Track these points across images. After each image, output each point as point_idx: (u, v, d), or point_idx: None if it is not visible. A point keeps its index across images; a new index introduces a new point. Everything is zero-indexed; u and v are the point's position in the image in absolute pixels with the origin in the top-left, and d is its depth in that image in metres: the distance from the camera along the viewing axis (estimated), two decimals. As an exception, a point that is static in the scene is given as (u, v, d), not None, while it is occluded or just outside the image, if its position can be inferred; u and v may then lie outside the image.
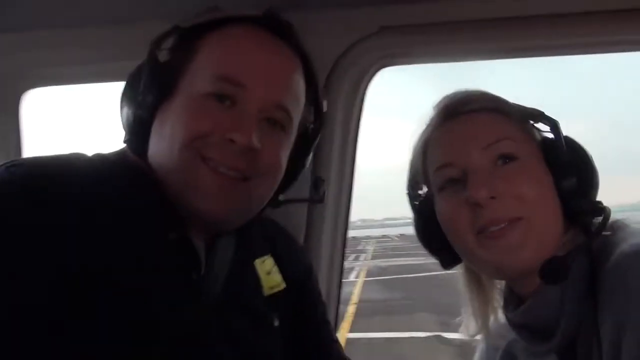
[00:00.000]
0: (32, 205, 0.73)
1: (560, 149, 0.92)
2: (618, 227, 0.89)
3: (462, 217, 0.91)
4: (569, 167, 0.91)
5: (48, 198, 0.74)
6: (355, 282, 14.81)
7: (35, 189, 0.74)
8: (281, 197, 1.02)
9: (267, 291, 0.98)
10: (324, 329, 1.11)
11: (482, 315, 1.03)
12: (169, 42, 0.90)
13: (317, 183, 1.15)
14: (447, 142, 0.96)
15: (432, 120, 1.01)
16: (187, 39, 0.89)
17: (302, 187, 1.21)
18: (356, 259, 23.67)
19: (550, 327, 0.88)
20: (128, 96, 0.90)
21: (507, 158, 0.91)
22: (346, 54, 1.28)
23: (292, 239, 1.16)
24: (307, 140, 0.99)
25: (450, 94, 1.01)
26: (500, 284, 1.04)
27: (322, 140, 1.26)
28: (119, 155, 0.91)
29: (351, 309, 10.75)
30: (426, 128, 1.01)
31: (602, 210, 0.90)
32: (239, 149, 0.82)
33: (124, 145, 0.92)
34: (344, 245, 1.47)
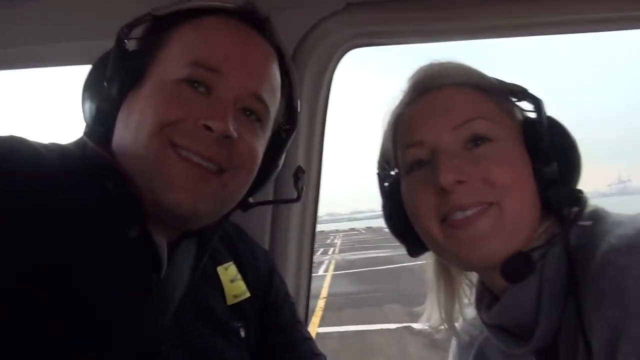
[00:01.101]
0: None
1: (542, 131, 0.83)
2: (599, 217, 0.79)
3: (427, 203, 0.83)
4: (549, 151, 0.82)
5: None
6: (324, 277, 14.85)
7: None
8: (250, 200, 0.95)
9: (230, 300, 0.91)
10: (295, 329, 1.05)
11: (447, 307, 0.96)
12: (139, 29, 0.83)
13: (298, 175, 1.06)
14: (417, 119, 0.87)
15: (404, 95, 0.92)
16: (160, 26, 0.82)
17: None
18: (324, 252, 23.75)
19: (527, 328, 0.80)
20: (93, 83, 0.82)
21: (479, 139, 0.82)
22: (312, 31, 1.21)
23: (253, 242, 1.10)
24: (280, 140, 0.93)
25: (425, 66, 0.91)
26: (473, 277, 0.96)
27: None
28: (77, 147, 0.81)
29: (321, 303, 10.76)
30: (398, 104, 0.92)
31: (581, 199, 0.81)
32: (214, 137, 0.75)
33: (84, 135, 0.83)
34: (312, 242, 1.40)
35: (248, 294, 0.94)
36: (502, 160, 0.81)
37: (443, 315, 0.96)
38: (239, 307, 0.92)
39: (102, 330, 0.69)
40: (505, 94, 0.88)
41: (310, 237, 1.38)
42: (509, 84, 0.88)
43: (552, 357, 0.79)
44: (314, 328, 8.73)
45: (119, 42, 0.82)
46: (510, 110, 0.87)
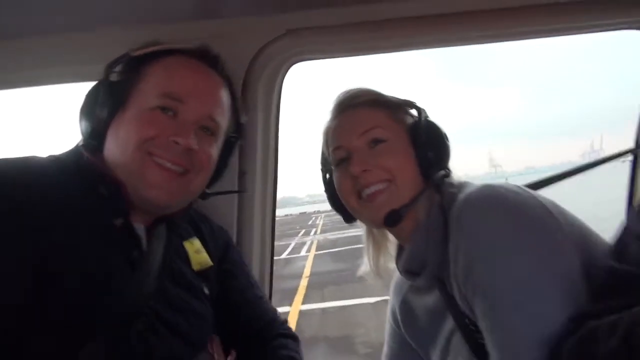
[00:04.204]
0: None
1: (421, 131, 1.21)
2: (462, 186, 1.16)
3: (347, 185, 1.22)
4: (426, 144, 1.19)
5: (9, 198, 0.90)
6: (307, 257, 15.12)
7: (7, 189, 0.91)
8: (208, 190, 1.23)
9: (196, 267, 1.20)
10: (249, 290, 1.35)
11: (374, 259, 1.35)
12: (121, 66, 1.09)
13: (242, 176, 1.38)
14: (338, 130, 1.25)
15: (330, 113, 1.30)
16: (137, 64, 1.09)
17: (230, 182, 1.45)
18: (306, 234, 24.01)
19: (422, 266, 1.18)
20: (88, 108, 1.08)
21: (377, 141, 1.20)
22: (260, 54, 1.47)
23: (213, 223, 1.38)
24: (230, 146, 1.22)
25: (343, 91, 1.30)
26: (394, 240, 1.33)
27: (246, 135, 1.48)
28: (74, 156, 1.08)
29: (304, 282, 11.07)
30: (328, 119, 1.30)
31: (448, 175, 1.21)
32: (181, 149, 1.03)
33: (81, 147, 1.09)
34: (272, 229, 1.68)
35: (211, 263, 1.23)
36: (392, 153, 1.19)
37: (372, 265, 1.35)
38: (204, 272, 1.21)
39: (101, 293, 0.94)
40: (398, 106, 1.26)
41: (270, 226, 1.67)
42: (401, 100, 1.27)
43: (443, 282, 1.15)
44: (298, 306, 9.05)
45: (107, 75, 1.09)
46: (401, 118, 1.25)
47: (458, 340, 1.13)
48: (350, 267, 12.30)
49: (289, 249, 17.78)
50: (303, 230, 24.01)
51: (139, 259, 1.04)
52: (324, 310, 8.65)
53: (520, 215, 1.00)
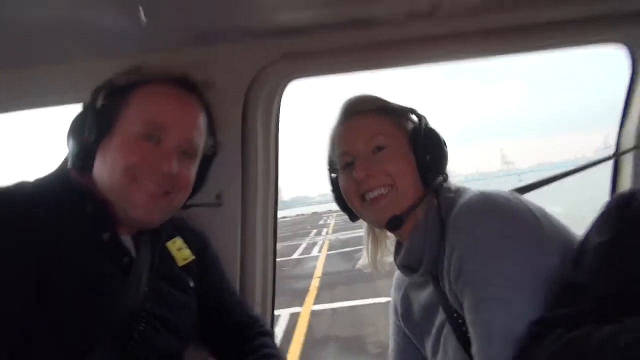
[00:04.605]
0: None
1: (420, 137, 1.30)
2: (461, 191, 1.27)
3: (351, 189, 1.32)
4: (425, 151, 1.29)
5: (9, 223, 1.03)
6: (318, 257, 15.17)
7: (5, 217, 1.04)
8: (188, 202, 1.35)
9: (180, 262, 1.34)
10: (223, 286, 1.50)
11: (372, 254, 1.47)
12: (106, 93, 1.19)
13: (219, 196, 1.54)
14: (344, 136, 1.35)
15: (337, 117, 1.40)
16: (122, 90, 1.19)
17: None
18: (318, 234, 24.07)
19: (419, 262, 1.29)
20: (76, 131, 1.18)
21: (380, 148, 1.29)
22: (258, 76, 1.61)
23: (191, 227, 1.50)
24: (207, 161, 1.32)
25: (349, 98, 1.40)
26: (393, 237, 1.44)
27: (247, 149, 1.64)
28: (60, 177, 1.19)
29: (315, 283, 11.15)
30: (334, 124, 1.40)
31: (445, 179, 1.31)
32: (163, 173, 1.15)
33: (69, 168, 1.19)
34: (274, 235, 1.82)
35: (193, 256, 1.37)
36: (395, 160, 1.29)
37: (369, 259, 1.47)
38: (188, 266, 1.34)
39: (97, 298, 1.07)
40: (400, 113, 1.36)
41: (272, 229, 1.80)
42: (403, 107, 1.36)
43: (437, 278, 1.26)
44: (309, 306, 9.14)
45: (93, 102, 1.18)
46: (403, 125, 1.35)
47: (448, 332, 1.25)
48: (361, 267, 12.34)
49: (301, 249, 17.86)
50: (314, 230, 24.05)
51: (129, 266, 1.17)
52: (335, 310, 8.74)
53: (510, 222, 1.12)
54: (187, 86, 1.24)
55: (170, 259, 1.32)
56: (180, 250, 1.35)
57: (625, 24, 1.58)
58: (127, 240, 1.20)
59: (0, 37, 1.33)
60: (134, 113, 1.16)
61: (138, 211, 1.14)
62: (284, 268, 13.43)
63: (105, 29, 1.35)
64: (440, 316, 1.28)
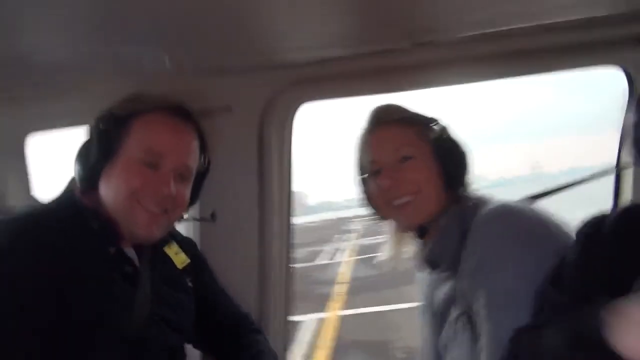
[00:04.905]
0: (23, 255, 1.13)
1: (444, 147, 1.40)
2: (483, 200, 1.38)
3: (379, 195, 1.43)
4: (449, 160, 1.39)
5: (32, 249, 1.15)
6: (345, 263, 15.16)
7: (22, 244, 1.14)
8: (185, 216, 1.49)
9: (179, 265, 1.48)
10: (215, 288, 1.64)
11: (395, 248, 1.56)
12: (109, 121, 1.29)
13: (213, 214, 1.64)
14: (371, 145, 1.46)
15: (365, 125, 1.49)
16: (124, 120, 1.30)
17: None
18: (343, 239, 24.02)
19: (441, 261, 1.41)
20: (82, 157, 1.30)
21: (406, 158, 1.39)
22: (271, 101, 1.76)
23: (183, 235, 1.64)
24: (199, 179, 1.46)
25: (376, 106, 1.50)
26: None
27: (263, 167, 1.80)
28: (69, 199, 1.31)
29: (340, 288, 11.17)
30: (363, 131, 1.50)
31: (467, 188, 1.41)
32: (163, 196, 1.29)
33: (77, 190, 1.31)
34: (288, 247, 1.94)
35: (188, 260, 1.51)
36: (420, 169, 1.39)
37: (392, 253, 1.57)
38: (185, 268, 1.49)
39: (112, 305, 1.21)
40: (426, 123, 1.45)
41: (287, 240, 1.92)
42: (427, 117, 1.45)
43: (455, 275, 1.34)
44: (334, 311, 9.17)
45: (97, 130, 1.28)
46: (427, 134, 1.42)
47: (461, 326, 1.36)
48: (386, 272, 12.35)
49: (326, 255, 17.87)
50: (340, 236, 24.06)
51: (134, 274, 1.32)
52: (360, 315, 8.77)
53: (525, 234, 1.23)
54: (182, 114, 1.37)
55: (170, 262, 1.46)
56: (177, 254, 1.49)
57: (620, 48, 1.67)
58: (130, 251, 1.34)
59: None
60: (134, 141, 1.29)
61: (141, 229, 1.28)
62: (309, 274, 13.48)
63: (131, 63, 1.48)
64: (456, 311, 1.38)
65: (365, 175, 1.49)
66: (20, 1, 1.05)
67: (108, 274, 1.25)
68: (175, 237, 1.55)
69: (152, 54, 1.42)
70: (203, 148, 1.43)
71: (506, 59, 1.67)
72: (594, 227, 1.05)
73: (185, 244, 1.58)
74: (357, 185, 1.54)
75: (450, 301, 1.42)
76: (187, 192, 1.38)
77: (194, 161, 1.38)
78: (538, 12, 1.44)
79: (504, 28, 1.53)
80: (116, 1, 1.10)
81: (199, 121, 1.41)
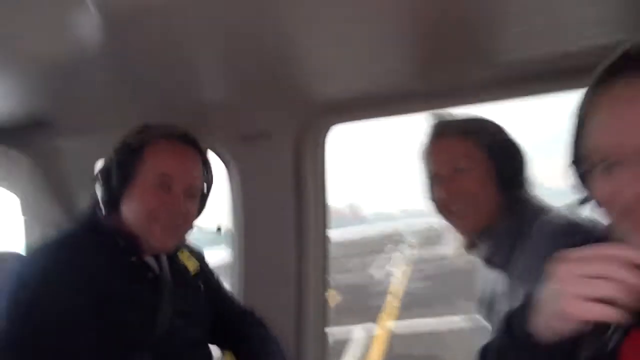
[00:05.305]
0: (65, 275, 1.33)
1: (499, 150, 1.47)
2: (539, 206, 1.45)
3: (439, 202, 1.54)
4: (503, 161, 1.46)
5: (71, 274, 1.33)
6: (395, 274, 15.01)
7: (65, 267, 1.34)
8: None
9: (192, 270, 1.67)
10: (221, 291, 1.82)
11: (458, 247, 1.62)
12: (125, 151, 1.47)
13: (219, 228, 1.80)
14: (431, 156, 1.55)
15: (427, 135, 1.58)
16: (138, 149, 1.47)
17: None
18: (395, 250, 23.72)
19: (496, 258, 1.49)
20: (103, 182, 1.46)
21: (461, 170, 1.47)
22: (305, 126, 1.95)
23: (192, 246, 1.77)
24: (204, 196, 1.60)
25: (436, 118, 1.58)
26: None
27: (300, 187, 1.98)
28: (92, 222, 1.49)
29: (391, 300, 11.11)
30: (425, 142, 1.58)
31: (525, 193, 1.47)
32: (176, 213, 1.46)
33: (102, 211, 1.48)
34: (325, 259, 2.10)
35: (199, 264, 1.70)
36: (474, 179, 1.46)
37: (463, 243, 1.64)
38: (196, 273, 1.67)
39: (142, 308, 1.41)
40: (483, 132, 1.50)
41: (322, 252, 2.08)
42: (484, 122, 1.53)
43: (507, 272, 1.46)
44: (385, 324, 9.12)
45: (115, 159, 1.45)
46: (484, 143, 1.48)
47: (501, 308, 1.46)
48: (437, 285, 12.19)
49: (379, 267, 17.72)
50: (394, 246, 23.78)
51: (155, 280, 1.52)
52: (410, 328, 8.73)
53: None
54: (188, 141, 1.53)
55: (183, 266, 1.65)
56: (189, 260, 1.69)
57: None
58: (150, 260, 1.55)
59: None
60: (149, 168, 1.46)
61: (159, 242, 1.46)
62: (362, 285, 13.46)
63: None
64: (505, 305, 1.43)
65: (429, 184, 1.58)
66: None
67: (135, 281, 1.47)
68: (187, 247, 1.75)
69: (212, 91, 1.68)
70: (207, 169, 1.62)
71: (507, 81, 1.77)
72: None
73: (195, 253, 1.78)
74: (426, 191, 1.61)
75: (499, 296, 1.50)
76: (195, 208, 1.58)
77: (199, 181, 1.56)
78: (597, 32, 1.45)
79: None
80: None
81: (201, 146, 1.59)
